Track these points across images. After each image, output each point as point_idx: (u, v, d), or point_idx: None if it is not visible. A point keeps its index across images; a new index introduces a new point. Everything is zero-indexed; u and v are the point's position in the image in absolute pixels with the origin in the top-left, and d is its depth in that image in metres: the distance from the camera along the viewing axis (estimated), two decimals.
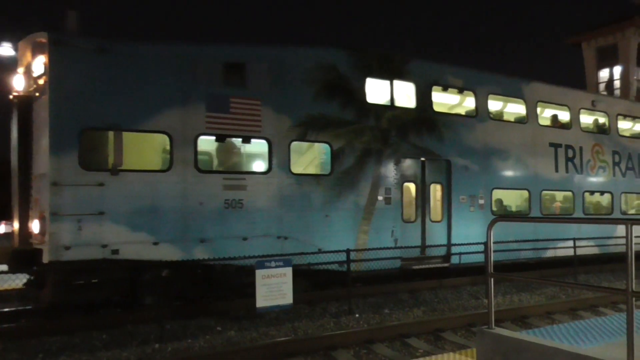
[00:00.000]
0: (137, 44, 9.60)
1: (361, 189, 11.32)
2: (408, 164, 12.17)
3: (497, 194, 13.70)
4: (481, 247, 12.28)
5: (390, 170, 11.74)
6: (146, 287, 9.14)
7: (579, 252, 14.28)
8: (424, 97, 12.35)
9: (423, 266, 12.15)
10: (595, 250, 14.89)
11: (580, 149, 15.10)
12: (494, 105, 13.90)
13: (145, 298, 9.15)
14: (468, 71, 13.39)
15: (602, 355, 3.84)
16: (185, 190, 9.42)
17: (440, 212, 12.70)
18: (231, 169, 10.29)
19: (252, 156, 10.55)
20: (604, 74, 29.17)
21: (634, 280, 3.84)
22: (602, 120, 16.10)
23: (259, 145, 10.28)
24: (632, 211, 17.05)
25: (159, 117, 9.28)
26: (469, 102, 13.47)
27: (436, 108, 12.71)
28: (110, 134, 9.03)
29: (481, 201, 13.08)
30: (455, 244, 12.47)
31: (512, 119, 14.34)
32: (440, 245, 12.39)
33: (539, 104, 14.46)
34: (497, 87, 13.72)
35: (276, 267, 8.37)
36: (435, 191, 12.84)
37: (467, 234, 12.64)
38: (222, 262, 9.00)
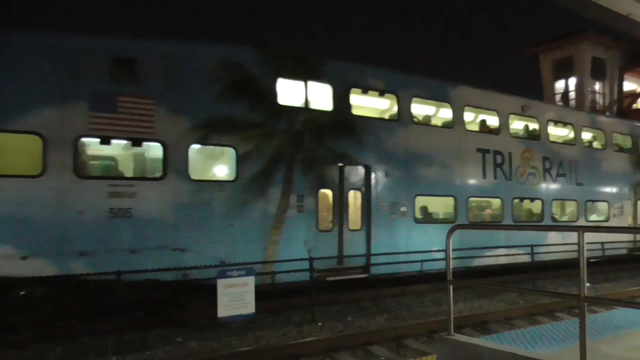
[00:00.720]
0: (7, 32, 8.62)
1: (270, 196, 10.59)
2: (324, 169, 11.50)
3: (421, 201, 13.19)
4: (404, 257, 11.83)
5: (303, 177, 11.04)
6: (12, 307, 8.14)
7: (511, 260, 14.01)
8: (341, 99, 11.74)
9: (339, 277, 11.49)
10: (526, 259, 14.59)
11: (510, 154, 14.79)
12: (418, 109, 13.41)
13: (10, 319, 8.14)
14: (390, 73, 12.86)
15: (557, 359, 3.98)
16: (61, 197, 8.48)
17: (359, 220, 12.09)
18: (118, 174, 9.39)
19: (144, 160, 9.69)
20: (560, 85, 29.79)
21: (586, 286, 3.86)
22: (532, 126, 15.87)
23: (152, 149, 9.45)
24: (565, 218, 16.90)
25: (31, 116, 8.33)
26: (390, 106, 12.95)
27: (355, 111, 12.13)
28: None
29: (403, 208, 12.53)
30: (375, 254, 11.89)
31: (438, 124, 13.90)
32: (358, 255, 11.77)
33: (467, 108, 14.06)
34: (421, 90, 13.24)
35: (238, 276, 8.29)
36: (354, 198, 12.23)
37: (389, 243, 12.10)
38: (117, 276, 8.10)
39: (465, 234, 12.73)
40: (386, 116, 12.95)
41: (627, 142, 19.00)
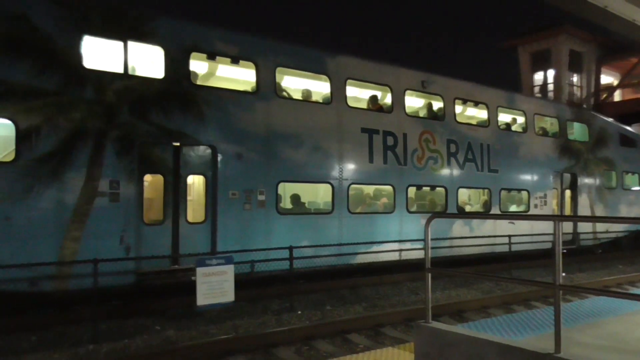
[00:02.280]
0: None
1: (68, 183, 8.52)
2: (151, 150, 9.50)
3: (287, 188, 11.28)
4: (263, 254, 9.94)
5: (119, 159, 9.00)
6: None
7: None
8: (177, 65, 9.70)
9: (172, 280, 9.51)
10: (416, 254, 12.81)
11: (404, 136, 12.95)
12: (285, 80, 11.46)
13: None
14: (247, 38, 10.83)
15: (531, 346, 3.96)
16: None
17: (202, 211, 10.11)
18: None
19: None
20: (538, 77, 29.57)
21: (561, 274, 3.89)
22: (434, 104, 14.06)
23: None
24: (473, 207, 15.18)
25: None
26: (247, 75, 10.97)
27: (196, 80, 10.14)
28: None
29: (261, 197, 10.59)
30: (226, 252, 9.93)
31: (311, 99, 11.95)
32: (194, 255, 9.77)
33: (349, 82, 12.14)
34: (289, 59, 11.27)
35: (217, 264, 8.28)
36: (196, 185, 10.26)
37: (241, 238, 10.16)
38: None
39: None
40: (241, 88, 10.95)
41: (553, 126, 17.36)
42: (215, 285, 8.15)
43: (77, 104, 8.60)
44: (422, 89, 13.50)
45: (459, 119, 14.43)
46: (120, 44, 9.19)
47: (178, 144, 9.74)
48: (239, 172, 10.30)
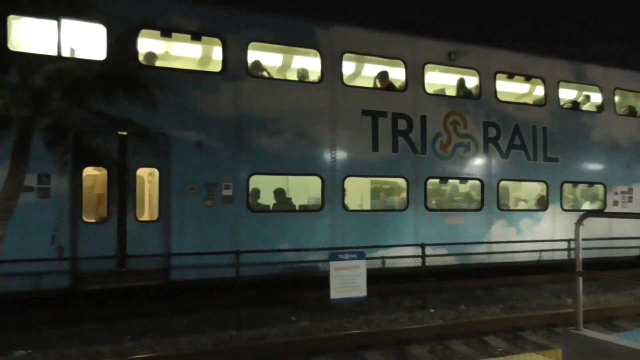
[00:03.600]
0: None
1: None
2: (92, 140, 8.51)
3: (262, 182, 9.72)
4: (224, 258, 8.61)
5: (51, 150, 8.08)
6: None
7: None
8: (123, 44, 8.56)
9: (114, 285, 8.46)
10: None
11: (423, 119, 10.76)
12: (260, 57, 9.86)
13: None
14: (212, 9, 9.43)
15: None
16: None
17: (155, 207, 8.94)
18: None
19: None
20: None
21: None
22: (467, 79, 11.60)
23: None
24: (524, 205, 12.42)
25: None
26: (211, 53, 9.59)
27: (146, 60, 8.98)
28: None
29: (227, 192, 9.17)
30: (179, 254, 8.72)
31: (294, 77, 10.24)
32: (146, 255, 8.64)
33: (347, 56, 10.27)
34: (267, 32, 9.69)
35: (349, 259, 8.43)
36: (147, 179, 9.11)
37: (201, 239, 8.86)
38: None
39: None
40: (205, 67, 9.59)
41: None
42: (347, 280, 8.35)
43: None
44: (449, 61, 11.15)
45: (501, 96, 11.80)
46: (54, 22, 8.29)
47: (125, 132, 8.65)
48: (198, 163, 8.97)
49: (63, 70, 8.02)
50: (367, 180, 10.85)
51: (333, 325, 8.03)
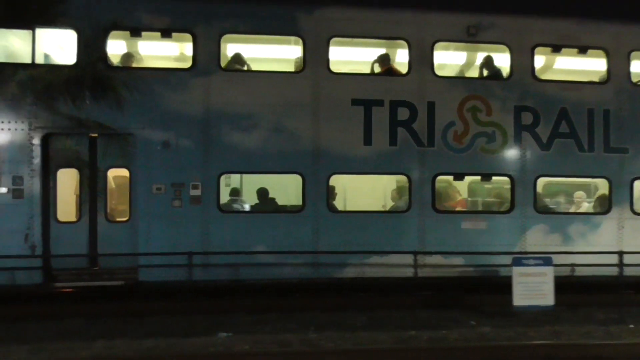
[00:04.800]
0: None
1: None
2: (62, 142, 8.83)
3: (234, 180, 9.18)
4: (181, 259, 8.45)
5: (22, 153, 8.57)
6: None
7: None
8: (92, 47, 8.74)
9: (82, 283, 8.66)
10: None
11: (430, 105, 9.27)
12: (235, 49, 9.30)
13: None
14: (182, 4, 9.14)
15: None
16: None
17: (126, 208, 8.96)
18: None
19: None
20: None
21: None
22: (493, 56, 9.70)
23: None
24: (575, 207, 10.01)
25: None
26: (180, 49, 9.31)
27: (114, 61, 9.01)
28: None
29: (195, 192, 8.83)
30: (144, 254, 8.67)
31: (271, 68, 9.46)
32: (111, 255, 8.70)
33: (335, 40, 9.24)
34: (241, 22, 9.12)
35: (535, 265, 8.10)
36: (117, 179, 9.13)
37: (169, 240, 8.70)
38: None
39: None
40: (173, 64, 9.34)
41: None
42: (532, 287, 7.96)
43: None
44: (468, 37, 9.44)
45: (542, 74, 9.68)
46: (28, 32, 8.74)
47: (95, 134, 8.82)
48: (165, 162, 8.79)
49: (34, 76, 8.41)
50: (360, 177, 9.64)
51: (517, 333, 7.47)
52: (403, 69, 9.35)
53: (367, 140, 9.13)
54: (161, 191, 8.79)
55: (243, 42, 9.39)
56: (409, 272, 8.91)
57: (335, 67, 9.24)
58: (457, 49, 9.83)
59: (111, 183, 9.09)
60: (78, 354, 6.39)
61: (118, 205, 9.15)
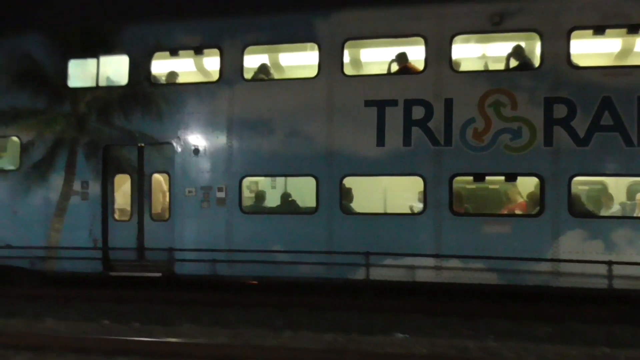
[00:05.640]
0: None
1: (52, 184, 10.35)
2: (118, 152, 10.32)
3: (252, 183, 9.75)
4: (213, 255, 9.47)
5: (89, 161, 10.24)
6: None
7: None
8: (139, 69, 10.13)
9: (132, 273, 10.03)
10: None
11: (448, 102, 8.87)
12: (255, 60, 9.85)
13: None
14: (211, 22, 9.99)
15: None
16: None
17: (166, 208, 10.13)
18: None
19: None
20: None
21: None
22: (520, 44, 8.84)
23: None
24: (622, 210, 8.58)
25: None
26: (209, 64, 10.13)
27: (156, 79, 10.22)
28: None
29: (220, 194, 9.67)
30: (180, 249, 9.79)
31: (289, 75, 9.80)
32: (156, 249, 9.92)
33: (350, 43, 9.33)
34: (262, 34, 9.70)
35: None
36: (160, 183, 10.31)
37: (198, 238, 9.72)
38: None
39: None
40: (203, 78, 10.19)
41: None
42: None
43: (58, 118, 10.32)
44: (492, 27, 8.82)
45: (579, 61, 8.59)
46: (94, 60, 10.40)
47: (142, 144, 10.16)
48: (195, 168, 9.79)
49: (97, 97, 10.08)
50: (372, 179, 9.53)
51: None
52: (418, 66, 9.09)
53: (380, 142, 9.07)
54: (192, 193, 9.79)
55: (265, 52, 9.96)
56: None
57: (348, 69, 9.35)
58: (478, 40, 9.21)
59: (155, 187, 10.36)
60: (268, 342, 6.93)
61: (160, 206, 10.37)
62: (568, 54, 8.52)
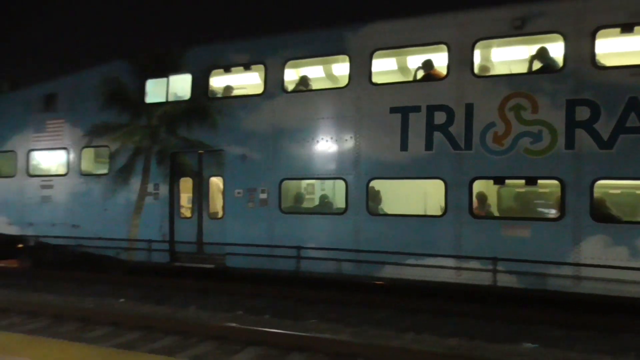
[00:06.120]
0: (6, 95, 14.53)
1: (132, 186, 12.17)
2: (182, 158, 11.80)
3: (291, 186, 10.60)
4: (257, 250, 10.66)
5: (159, 167, 11.87)
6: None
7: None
8: (199, 85, 11.55)
9: (191, 264, 11.45)
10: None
11: (469, 107, 9.04)
12: (295, 73, 10.69)
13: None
14: (257, 41, 11.05)
15: None
16: (22, 189, 13.72)
17: (220, 208, 11.39)
18: (44, 173, 13.62)
19: (58, 162, 13.47)
20: None
21: None
22: (545, 48, 8.68)
23: (61, 154, 13.25)
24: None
25: (13, 141, 13.97)
26: (255, 78, 11.15)
27: (212, 94, 11.52)
28: None
29: (263, 195, 10.70)
30: (230, 244, 11.01)
31: (323, 86, 10.43)
32: (212, 244, 11.24)
33: (378, 54, 9.84)
34: (300, 49, 10.56)
35: None
36: (216, 185, 11.57)
37: (245, 234, 10.89)
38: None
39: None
40: (250, 91, 11.21)
41: None
42: None
43: (137, 130, 12.13)
44: (514, 31, 8.83)
45: (605, 61, 8.28)
46: (165, 79, 12.02)
47: (201, 151, 11.55)
48: (243, 172, 10.92)
49: (166, 111, 11.74)
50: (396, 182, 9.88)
51: None
52: (442, 72, 9.36)
53: (404, 146, 9.49)
54: (240, 195, 10.95)
55: (303, 66, 10.82)
56: None
57: (375, 78, 9.88)
58: (499, 45, 9.22)
59: (212, 188, 11.68)
60: (390, 343, 7.04)
61: (216, 205, 11.66)
62: (592, 55, 8.29)
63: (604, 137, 8.15)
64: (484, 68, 9.30)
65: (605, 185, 8.38)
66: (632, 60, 8.29)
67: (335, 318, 8.50)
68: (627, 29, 8.21)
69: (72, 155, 13.01)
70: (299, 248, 10.22)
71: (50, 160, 13.73)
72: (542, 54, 8.80)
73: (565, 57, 8.48)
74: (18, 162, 13.82)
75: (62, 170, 13.35)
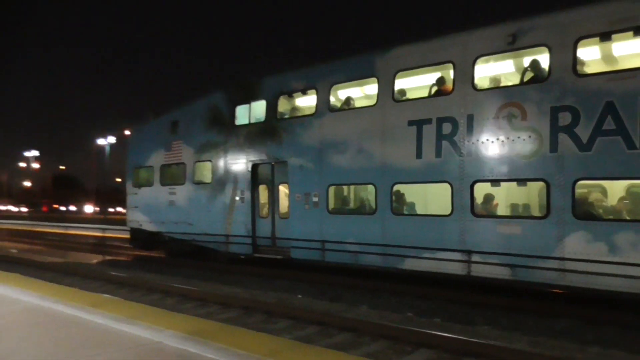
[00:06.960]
0: (144, 126, 18.66)
1: (227, 192, 15.17)
2: (260, 168, 14.40)
3: (335, 190, 12.46)
4: (313, 244, 12.98)
5: (245, 176, 14.65)
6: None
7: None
8: (271, 109, 14.10)
9: (267, 255, 13.98)
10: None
11: (469, 118, 10.14)
12: (338, 95, 12.53)
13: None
14: (309, 69, 13.17)
15: None
16: (157, 195, 17.64)
17: (287, 209, 13.72)
18: (171, 182, 17.22)
19: (179, 174, 16.97)
20: None
21: None
22: (534, 60, 9.35)
23: (181, 167, 16.82)
24: (629, 213, 8.14)
25: (152, 158, 18.00)
26: (309, 101, 13.20)
27: (279, 116, 13.91)
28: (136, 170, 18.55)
29: (315, 199, 12.81)
30: (293, 239, 13.35)
31: (357, 104, 12.04)
32: (282, 238, 13.66)
33: (400, 74, 11.32)
34: (342, 74, 12.46)
35: None
36: (283, 190, 13.89)
37: (303, 231, 13.15)
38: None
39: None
40: (306, 112, 13.26)
41: None
42: None
43: (229, 147, 15.12)
44: (507, 46, 9.75)
45: (586, 68, 8.80)
46: (248, 105, 14.82)
47: (273, 162, 14.07)
48: (301, 179, 13.16)
49: (249, 131, 14.63)
50: (414, 186, 11.14)
51: None
52: (449, 87, 10.55)
53: (419, 154, 10.86)
54: (299, 198, 13.20)
55: (344, 88, 12.69)
56: None
57: (397, 96, 11.38)
58: (496, 60, 10.06)
59: (281, 193, 14.09)
60: (571, 355, 6.55)
61: (284, 207, 14.03)
62: (574, 64, 8.90)
63: (583, 140, 8.73)
64: (482, 82, 10.27)
65: (586, 185, 8.89)
66: (609, 67, 8.71)
67: (509, 325, 8.23)
68: (605, 37, 8.69)
69: (188, 168, 16.52)
70: (342, 243, 12.09)
71: (174, 172, 17.44)
72: (532, 67, 9.55)
73: (550, 68, 9.19)
74: (155, 174, 17.81)
75: (182, 180, 16.95)
